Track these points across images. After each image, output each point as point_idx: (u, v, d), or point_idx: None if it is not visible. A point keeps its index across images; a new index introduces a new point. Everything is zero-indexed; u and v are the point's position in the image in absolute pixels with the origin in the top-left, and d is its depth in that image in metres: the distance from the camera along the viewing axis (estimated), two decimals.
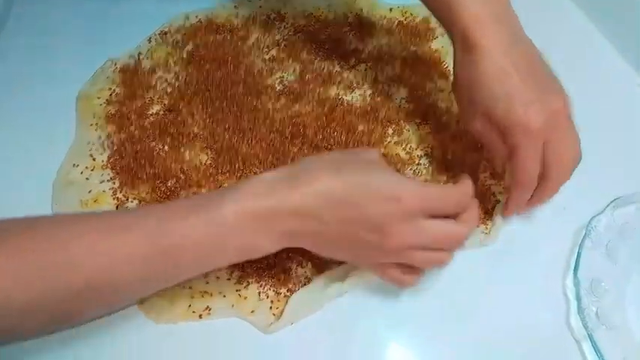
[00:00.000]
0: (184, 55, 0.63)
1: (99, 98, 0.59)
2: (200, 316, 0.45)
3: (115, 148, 0.55)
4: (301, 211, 0.38)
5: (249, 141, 0.56)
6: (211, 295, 0.46)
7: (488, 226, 0.52)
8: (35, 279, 0.35)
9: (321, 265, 0.48)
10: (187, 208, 0.39)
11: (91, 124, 0.57)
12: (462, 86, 0.48)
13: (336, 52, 0.64)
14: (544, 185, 0.47)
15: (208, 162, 0.55)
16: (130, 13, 0.67)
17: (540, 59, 0.46)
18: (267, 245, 0.39)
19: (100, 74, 0.61)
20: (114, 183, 0.53)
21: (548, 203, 0.52)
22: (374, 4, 0.70)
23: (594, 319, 0.46)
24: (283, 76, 0.62)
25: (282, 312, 0.45)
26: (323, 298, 0.46)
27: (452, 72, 0.61)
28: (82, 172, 0.53)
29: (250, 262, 0.47)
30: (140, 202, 0.51)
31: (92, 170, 0.54)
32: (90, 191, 0.52)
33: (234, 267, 0.48)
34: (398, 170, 0.54)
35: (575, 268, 0.48)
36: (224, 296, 0.46)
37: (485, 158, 0.56)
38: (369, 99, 0.61)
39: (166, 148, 0.55)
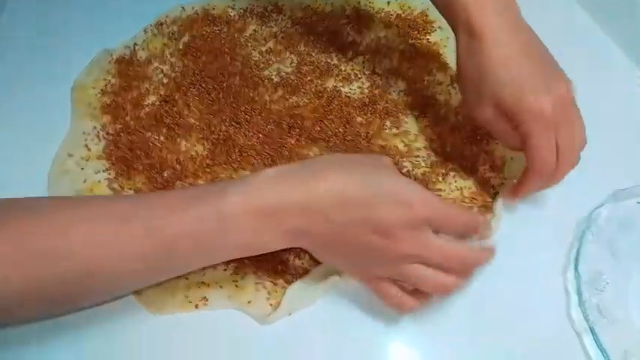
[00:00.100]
0: (180, 47, 0.63)
1: (94, 88, 0.58)
2: (196, 307, 0.45)
3: (111, 138, 0.54)
4: (308, 208, 0.37)
5: (246, 132, 0.55)
6: (208, 285, 0.46)
7: (489, 218, 0.51)
8: (34, 263, 0.34)
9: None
10: (188, 199, 0.38)
11: (87, 115, 0.56)
12: (467, 75, 0.47)
13: (334, 45, 0.64)
14: (556, 169, 0.46)
15: (204, 153, 0.54)
16: (126, 4, 0.67)
17: (543, 46, 0.46)
18: (269, 242, 0.39)
19: (95, 65, 0.60)
20: (109, 173, 0.52)
21: (549, 197, 0.52)
22: None
23: (595, 312, 0.45)
24: (280, 68, 0.61)
25: (279, 303, 0.45)
26: (321, 289, 0.46)
27: (450, 65, 0.62)
28: (77, 162, 0.52)
29: None
30: (136, 192, 0.51)
31: (87, 160, 0.53)
32: (85, 181, 0.51)
33: None
34: (396, 163, 0.54)
35: (575, 261, 0.48)
36: (221, 287, 0.45)
37: (484, 151, 0.56)
38: (366, 91, 0.60)
39: (162, 138, 0.55)
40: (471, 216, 0.41)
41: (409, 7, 0.68)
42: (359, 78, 0.61)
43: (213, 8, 0.66)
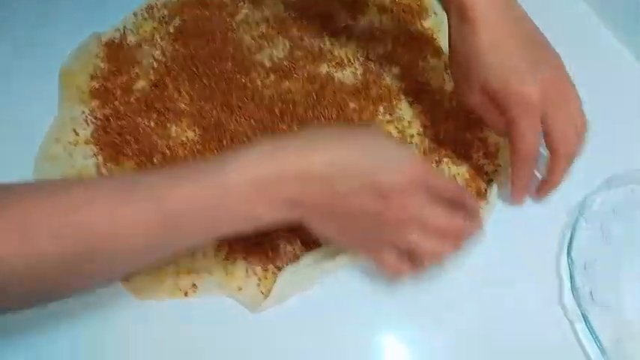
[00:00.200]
0: (171, 31, 0.62)
1: (82, 73, 0.57)
2: (186, 294, 0.44)
3: (100, 123, 0.54)
4: (306, 176, 0.37)
5: (238, 118, 0.54)
6: (197, 272, 0.45)
7: (482, 205, 0.51)
8: (36, 243, 0.33)
9: (310, 243, 0.47)
10: (186, 174, 0.37)
11: (75, 99, 0.55)
12: (457, 59, 0.47)
13: (327, 29, 0.63)
14: (553, 163, 0.46)
15: (195, 139, 0.53)
16: None
17: (536, 28, 0.46)
18: (268, 213, 0.37)
19: (84, 49, 0.59)
20: (97, 159, 0.51)
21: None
22: None
23: (588, 298, 0.45)
24: (273, 53, 0.61)
25: (269, 290, 0.44)
26: (313, 275, 0.45)
27: (445, 50, 0.61)
28: (64, 148, 0.52)
29: (237, 239, 0.46)
30: None
31: (75, 146, 0.52)
32: (73, 166, 0.50)
33: (221, 244, 0.46)
34: None
35: (569, 247, 0.47)
36: (210, 274, 0.45)
37: (478, 137, 0.55)
38: (360, 77, 0.59)
39: (152, 124, 0.54)
40: (461, 187, 0.41)
41: None
42: (352, 63, 0.60)
43: None
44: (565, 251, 0.47)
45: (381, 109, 0.57)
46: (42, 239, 0.33)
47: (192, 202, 0.36)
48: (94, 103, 0.55)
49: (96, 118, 0.54)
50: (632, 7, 0.61)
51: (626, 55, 0.63)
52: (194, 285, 0.44)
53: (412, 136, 0.55)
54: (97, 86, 0.56)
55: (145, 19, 0.62)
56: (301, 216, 0.39)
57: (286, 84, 0.58)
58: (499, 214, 0.50)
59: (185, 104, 0.55)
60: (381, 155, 0.39)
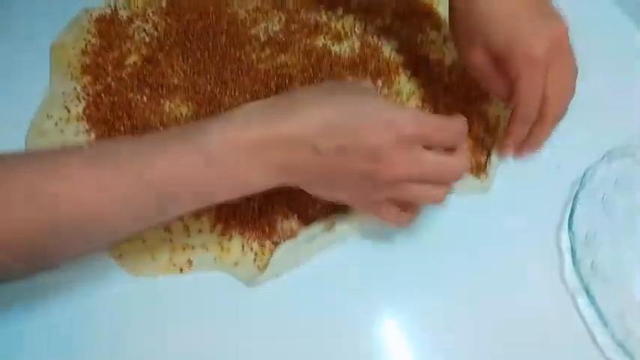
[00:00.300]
0: (163, 5, 0.60)
1: (74, 49, 0.56)
2: (181, 270, 0.43)
3: (91, 99, 0.52)
4: (294, 139, 0.36)
5: (232, 92, 0.53)
6: (193, 247, 0.44)
7: (482, 179, 0.50)
8: (17, 208, 0.32)
9: (307, 219, 0.46)
10: (170, 139, 0.36)
11: (66, 75, 0.54)
12: (459, 18, 0.46)
13: (324, 2, 0.62)
14: (543, 119, 0.45)
15: (189, 114, 0.52)
16: None
17: None
18: (256, 179, 0.37)
19: (74, 24, 0.58)
20: (89, 135, 0.50)
21: (542, 157, 0.51)
22: None
23: (589, 271, 0.44)
24: (268, 27, 0.59)
25: (266, 265, 0.43)
26: (310, 250, 0.44)
27: (444, 23, 0.60)
28: (56, 124, 0.51)
29: (234, 215, 0.46)
30: None
31: (67, 122, 0.51)
32: (65, 143, 0.49)
33: (216, 219, 0.46)
34: None
35: (569, 221, 0.46)
36: (206, 249, 0.44)
37: (477, 111, 0.54)
38: (357, 50, 0.58)
39: (145, 99, 0.53)
40: (457, 127, 0.39)
41: None
42: (349, 37, 0.59)
43: None
44: (566, 225, 0.47)
45: (379, 82, 0.56)
46: (21, 205, 0.32)
47: (177, 170, 0.35)
48: (86, 79, 0.54)
49: (88, 94, 0.53)
50: None
51: (630, 28, 0.62)
52: (189, 261, 0.44)
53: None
54: (88, 62, 0.55)
55: None
56: (296, 180, 0.38)
57: (282, 58, 0.57)
58: (499, 189, 0.50)
59: (178, 79, 0.54)
60: (369, 113, 0.37)
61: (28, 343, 0.41)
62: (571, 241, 0.46)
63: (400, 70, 0.57)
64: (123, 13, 0.59)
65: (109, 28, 0.57)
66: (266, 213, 0.46)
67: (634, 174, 0.50)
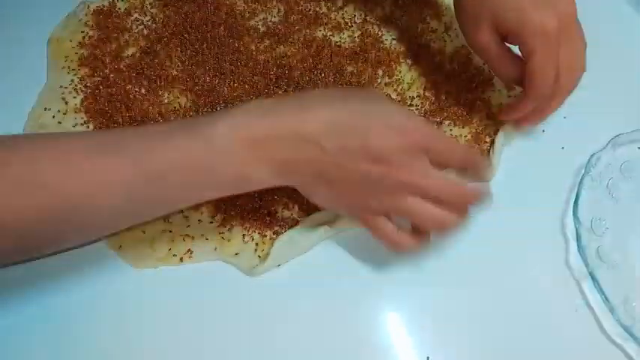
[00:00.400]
0: None
1: (71, 41, 0.55)
2: (181, 260, 0.43)
3: (89, 91, 0.52)
4: (300, 136, 0.35)
5: (231, 83, 0.53)
6: (193, 238, 0.44)
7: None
8: (9, 192, 0.32)
9: (309, 208, 0.46)
10: (174, 130, 0.35)
11: (64, 67, 0.53)
12: None
13: None
14: (554, 93, 0.45)
15: (188, 105, 0.52)
16: None
17: None
18: (256, 175, 0.36)
19: (72, 16, 0.58)
20: (87, 127, 0.50)
21: (547, 142, 0.50)
22: None
23: (595, 257, 0.44)
24: (267, 18, 0.59)
25: (267, 255, 0.43)
26: (311, 239, 0.44)
27: (444, 11, 0.60)
28: (54, 116, 0.50)
29: (234, 205, 0.45)
30: None
31: (65, 114, 0.50)
32: None
33: (216, 210, 0.45)
34: None
35: (575, 206, 0.46)
36: (206, 239, 0.44)
37: (480, 99, 0.54)
38: (357, 40, 0.57)
39: (143, 91, 0.52)
40: (467, 150, 0.39)
41: None
42: (350, 27, 0.58)
43: None
44: (571, 210, 0.46)
45: (380, 72, 0.55)
46: (13, 189, 0.32)
47: (179, 161, 0.34)
48: (84, 71, 0.53)
49: (85, 86, 0.52)
50: None
51: (636, 16, 0.61)
52: (189, 251, 0.43)
53: (412, 98, 0.53)
54: (86, 54, 0.54)
55: None
56: (295, 180, 0.38)
57: (281, 48, 0.56)
58: (504, 175, 0.49)
59: (177, 70, 0.54)
60: (378, 116, 0.37)
61: (26, 334, 0.41)
62: (576, 227, 0.45)
63: (401, 59, 0.56)
64: (120, 5, 0.59)
65: (106, 20, 0.57)
66: (266, 203, 0.45)
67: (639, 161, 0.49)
